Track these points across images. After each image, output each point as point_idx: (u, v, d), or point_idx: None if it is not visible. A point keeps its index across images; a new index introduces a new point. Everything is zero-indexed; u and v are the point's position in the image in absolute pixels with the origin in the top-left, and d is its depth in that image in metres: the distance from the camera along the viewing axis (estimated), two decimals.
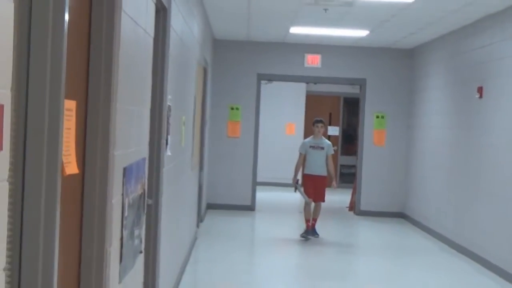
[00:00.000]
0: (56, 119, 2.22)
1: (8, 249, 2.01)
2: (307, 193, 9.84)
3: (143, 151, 4.07)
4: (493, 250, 8.21)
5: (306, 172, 10.06)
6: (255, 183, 13.23)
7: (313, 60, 12.97)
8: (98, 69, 3.04)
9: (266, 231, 11.54)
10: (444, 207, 10.40)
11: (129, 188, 3.57)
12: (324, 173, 9.90)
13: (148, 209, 5.11)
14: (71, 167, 2.78)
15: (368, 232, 11.67)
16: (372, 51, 12.94)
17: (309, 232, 9.83)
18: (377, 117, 13.04)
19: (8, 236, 2.06)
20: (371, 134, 13.08)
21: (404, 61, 12.98)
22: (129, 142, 3.52)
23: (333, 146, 17.62)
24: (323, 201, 9.95)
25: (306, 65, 13.00)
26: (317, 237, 9.86)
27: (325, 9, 8.97)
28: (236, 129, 12.98)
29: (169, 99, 5.39)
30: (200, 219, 11.06)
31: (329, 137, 17.87)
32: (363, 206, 13.09)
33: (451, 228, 9.97)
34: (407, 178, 12.90)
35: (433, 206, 11.00)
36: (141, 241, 4.10)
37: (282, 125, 17.56)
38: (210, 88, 12.03)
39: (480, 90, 9.02)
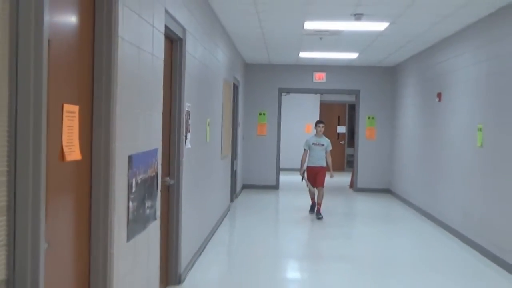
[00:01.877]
0: (39, 120, 2.18)
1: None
2: (309, 180, 9.42)
3: (154, 144, 4.02)
4: (450, 216, 8.07)
5: (308, 164, 9.44)
6: (278, 169, 13.21)
7: (319, 77, 12.84)
8: (100, 81, 3.03)
9: (287, 203, 11.46)
10: (417, 184, 10.25)
11: (137, 171, 3.54)
12: (323, 165, 9.38)
13: (171, 187, 5.12)
14: (75, 155, 2.78)
15: (362, 204, 11.51)
16: (364, 69, 12.78)
17: (314, 207, 9.45)
18: (369, 118, 12.87)
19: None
20: (364, 131, 12.93)
21: (388, 75, 12.79)
22: (134, 137, 3.48)
23: (341, 140, 17.84)
24: (322, 186, 9.32)
25: (314, 80, 12.89)
26: (321, 218, 9.08)
27: (320, 38, 8.84)
28: (263, 129, 12.97)
29: (187, 106, 5.35)
30: (235, 195, 11.05)
31: (338, 134, 17.90)
32: (359, 184, 12.94)
33: (422, 200, 9.83)
34: (391, 163, 12.71)
35: (409, 184, 10.84)
36: (155, 211, 4.07)
37: (302, 126, 17.49)
38: (242, 99, 12.00)
39: (439, 95, 8.79)
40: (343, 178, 14.75)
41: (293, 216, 9.62)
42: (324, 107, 17.76)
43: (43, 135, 2.20)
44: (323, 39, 8.97)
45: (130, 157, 3.38)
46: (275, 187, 13.00)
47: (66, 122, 2.65)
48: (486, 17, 6.82)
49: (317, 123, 9.58)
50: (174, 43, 5.04)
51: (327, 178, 9.48)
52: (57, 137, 2.58)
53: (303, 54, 10.95)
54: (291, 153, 15.88)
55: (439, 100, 8.77)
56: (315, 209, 9.35)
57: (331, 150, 9.50)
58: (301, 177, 9.56)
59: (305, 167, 9.56)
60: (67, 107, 2.65)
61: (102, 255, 3.05)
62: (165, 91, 4.91)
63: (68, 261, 2.80)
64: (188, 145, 5.41)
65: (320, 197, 9.27)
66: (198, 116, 6.07)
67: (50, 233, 2.45)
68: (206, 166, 6.74)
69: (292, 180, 15.00)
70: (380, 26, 7.63)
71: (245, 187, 12.77)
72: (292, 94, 15.73)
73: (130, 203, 3.41)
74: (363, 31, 8.06)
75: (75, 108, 2.77)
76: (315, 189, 9.41)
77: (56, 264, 2.61)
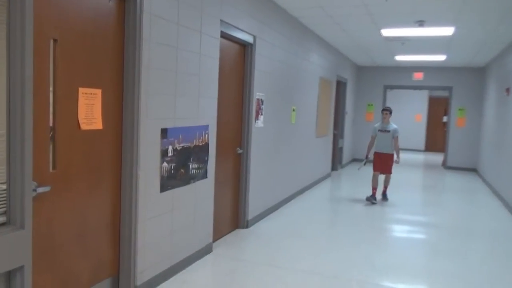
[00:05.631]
0: (24, 97, 2.13)
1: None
2: (375, 166, 6.97)
3: (205, 121, 3.82)
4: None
5: (375, 150, 7.03)
6: None
7: (418, 76, 11.43)
8: (127, 72, 2.92)
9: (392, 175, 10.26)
10: (491, 165, 8.62)
11: (175, 140, 3.39)
12: (389, 151, 6.90)
13: (241, 155, 4.91)
14: (96, 125, 2.72)
15: (449, 179, 9.99)
16: (456, 69, 11.07)
17: (372, 197, 6.84)
18: (459, 109, 11.15)
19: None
20: (455, 120, 11.25)
21: (477, 74, 10.92)
22: (169, 115, 3.32)
23: (445, 128, 15.73)
24: (390, 173, 6.98)
25: (413, 79, 11.53)
26: (387, 200, 7.05)
27: (402, 43, 7.80)
28: (371, 116, 12.00)
29: (259, 95, 5.06)
30: (340, 166, 10.44)
31: (444, 123, 15.92)
32: (449, 163, 11.34)
33: (493, 178, 8.24)
34: (478, 147, 10.92)
35: (488, 165, 9.17)
36: (205, 171, 3.91)
37: (413, 115, 15.95)
38: (351, 93, 11.19)
39: (507, 90, 7.23)
40: (438, 157, 13.32)
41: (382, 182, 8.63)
42: (433, 101, 15.94)
43: (29, 108, 2.15)
44: (405, 44, 7.90)
45: (164, 130, 3.25)
46: None
47: (82, 101, 2.60)
48: None
49: (382, 110, 7.10)
50: (246, 47, 4.78)
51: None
52: (74, 112, 2.55)
53: (398, 58, 9.82)
54: (403, 136, 15.19)
55: (507, 94, 7.21)
56: (372, 199, 6.86)
57: (397, 137, 6.89)
58: (364, 161, 7.33)
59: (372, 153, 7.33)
60: (83, 90, 2.59)
61: (128, 201, 2.99)
62: (238, 83, 4.72)
63: (103, 205, 2.76)
64: (260, 124, 5.13)
65: (387, 181, 7.09)
66: (279, 104, 5.74)
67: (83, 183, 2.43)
68: (290, 142, 6.38)
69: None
70: (447, 31, 6.46)
71: (354, 160, 11.99)
72: (403, 91, 14.71)
73: (165, 164, 3.30)
74: (435, 36, 6.90)
75: (98, 92, 2.71)
76: (380, 175, 7.08)
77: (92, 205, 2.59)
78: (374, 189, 6.93)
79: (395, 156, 6.91)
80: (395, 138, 6.86)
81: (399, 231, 5.36)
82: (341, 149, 10.42)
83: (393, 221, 5.79)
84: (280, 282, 3.51)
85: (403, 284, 3.63)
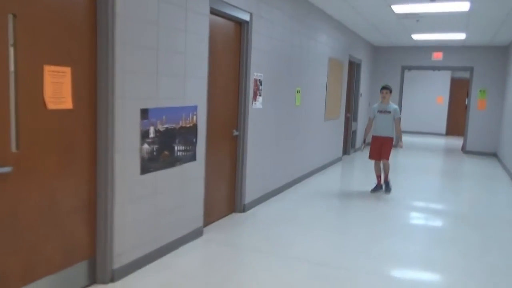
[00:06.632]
0: None
1: None
2: (372, 152, 6.22)
3: (192, 101, 3.70)
4: None
5: (373, 133, 6.22)
6: None
7: (437, 55, 10.99)
8: (101, 51, 2.81)
9: (397, 159, 9.75)
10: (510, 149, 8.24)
11: (158, 120, 3.29)
12: (389, 135, 6.13)
13: (238, 137, 4.79)
14: (65, 104, 2.64)
15: (467, 164, 9.62)
16: (477, 48, 10.59)
17: (378, 188, 6.31)
18: (480, 91, 10.69)
19: None
20: (476, 102, 10.79)
21: (500, 53, 10.42)
22: (150, 95, 3.21)
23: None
24: (387, 159, 6.09)
25: (432, 59, 11.08)
26: (389, 192, 6.25)
27: (417, 20, 7.45)
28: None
29: (257, 75, 4.89)
30: (354, 150, 10.20)
31: (466, 106, 15.35)
32: (468, 147, 10.95)
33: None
34: (498, 131, 10.48)
35: (508, 149, 8.76)
36: (193, 153, 3.80)
37: (434, 97, 15.46)
38: (366, 75, 10.84)
39: None
40: (457, 141, 12.92)
41: (396, 167, 8.35)
42: (455, 82, 15.37)
43: None
44: (420, 22, 7.54)
45: (144, 110, 3.15)
46: (394, 145, 11.65)
47: (49, 79, 2.51)
48: None
49: (381, 89, 6.18)
50: (242, 25, 4.60)
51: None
52: (39, 91, 2.46)
53: (415, 36, 9.42)
54: (422, 118, 14.90)
55: None
56: (378, 189, 6.32)
57: (399, 118, 6.15)
58: (362, 146, 6.54)
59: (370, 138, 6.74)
60: (49, 68, 2.50)
61: (103, 183, 2.91)
62: (233, 63, 4.57)
63: (77, 186, 2.69)
64: (258, 106, 4.98)
65: (386, 168, 6.17)
66: (281, 85, 5.56)
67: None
68: (293, 124, 6.20)
69: (415, 141, 13.48)
70: (462, 6, 6.10)
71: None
72: (424, 72, 14.36)
73: (146, 145, 3.20)
74: (450, 12, 6.54)
75: (66, 69, 2.62)
76: (380, 162, 6.24)
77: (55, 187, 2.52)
78: (379, 176, 6.34)
79: (395, 140, 6.26)
80: (396, 119, 6.12)
81: (405, 218, 5.14)
82: (354, 132, 10.16)
83: (401, 208, 5.58)
84: (267, 269, 3.41)
85: (393, 273, 3.47)
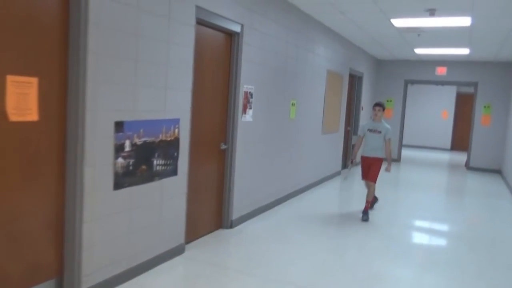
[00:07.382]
0: None
1: None
2: (363, 173, 5.76)
3: (174, 114, 3.57)
4: None
5: (362, 153, 5.78)
6: (401, 145, 11.69)
7: (441, 70, 10.84)
8: (73, 63, 2.71)
9: (402, 173, 9.68)
10: None
11: (135, 134, 3.16)
12: (379, 155, 5.61)
13: (226, 151, 4.65)
14: (31, 116, 2.52)
15: (470, 181, 9.40)
16: (481, 63, 10.44)
17: (365, 213, 5.60)
18: (485, 106, 10.50)
19: None
20: (480, 117, 10.59)
21: (505, 69, 10.24)
22: (127, 108, 3.08)
23: None
24: (374, 182, 5.64)
25: (436, 73, 10.92)
26: (366, 220, 5.49)
27: (418, 34, 7.31)
28: (389, 113, 11.48)
29: (248, 88, 4.77)
30: (352, 164, 10.01)
31: None
32: (472, 163, 10.73)
33: None
34: (503, 147, 10.26)
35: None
36: (174, 168, 3.66)
37: (439, 111, 15.27)
38: (368, 87, 10.70)
39: None
40: (461, 157, 12.92)
41: (396, 183, 8.22)
42: (461, 97, 15.18)
43: None
44: (421, 36, 7.40)
45: (119, 123, 3.03)
46: (396, 160, 11.48)
47: (12, 90, 2.40)
48: None
49: (374, 106, 5.71)
50: (232, 36, 4.50)
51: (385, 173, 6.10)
52: (1, 102, 2.35)
53: (418, 51, 9.28)
54: (423, 132, 14.79)
55: None
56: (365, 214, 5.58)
57: (390, 139, 5.64)
58: (347, 165, 5.57)
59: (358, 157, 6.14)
60: (12, 78, 2.39)
61: (72, 199, 2.78)
62: (223, 75, 4.45)
63: (43, 202, 2.57)
64: (248, 119, 4.85)
65: (370, 194, 5.67)
66: (274, 97, 5.43)
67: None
68: (287, 138, 6.06)
69: (417, 155, 13.26)
70: (463, 21, 5.96)
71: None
72: (429, 86, 14.25)
73: (121, 159, 3.07)
74: (451, 27, 6.40)
75: (34, 80, 2.51)
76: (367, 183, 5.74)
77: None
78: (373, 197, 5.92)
79: (384, 163, 5.77)
80: (387, 140, 5.62)
81: (400, 238, 4.95)
82: (354, 146, 9.98)
83: (397, 227, 5.38)
84: None
85: None
